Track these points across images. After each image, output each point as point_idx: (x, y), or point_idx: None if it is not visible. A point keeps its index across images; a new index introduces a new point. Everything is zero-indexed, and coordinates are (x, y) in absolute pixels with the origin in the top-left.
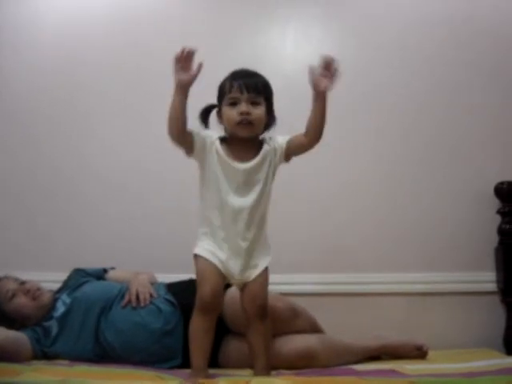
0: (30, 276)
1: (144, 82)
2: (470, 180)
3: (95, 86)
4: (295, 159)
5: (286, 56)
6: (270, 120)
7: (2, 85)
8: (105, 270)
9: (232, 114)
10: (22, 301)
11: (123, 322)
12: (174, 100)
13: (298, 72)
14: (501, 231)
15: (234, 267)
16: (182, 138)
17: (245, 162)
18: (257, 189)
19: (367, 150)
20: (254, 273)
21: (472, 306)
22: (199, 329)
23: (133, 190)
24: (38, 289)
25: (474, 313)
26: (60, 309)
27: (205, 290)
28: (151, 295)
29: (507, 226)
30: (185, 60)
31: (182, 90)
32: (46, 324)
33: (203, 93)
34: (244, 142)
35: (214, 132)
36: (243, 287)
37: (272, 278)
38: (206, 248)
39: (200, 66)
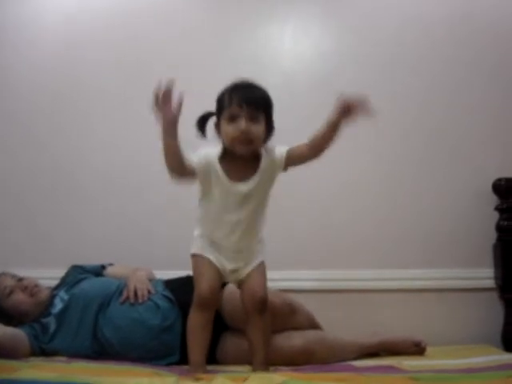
0: (28, 273)
1: (144, 80)
2: (468, 177)
3: (95, 83)
4: None
5: (284, 53)
6: (268, 133)
7: (2, 84)
8: (103, 267)
9: (231, 130)
10: (19, 297)
11: (121, 319)
12: (164, 141)
13: (296, 69)
14: (499, 228)
15: (228, 267)
16: (184, 170)
17: (244, 180)
18: (255, 201)
19: (367, 149)
20: (247, 270)
21: (470, 303)
22: (197, 325)
23: (132, 187)
24: (36, 285)
25: (472, 309)
26: (58, 305)
27: (202, 287)
28: (149, 291)
29: (505, 223)
30: (164, 98)
31: (170, 126)
32: (44, 320)
33: (203, 93)
34: (242, 155)
35: (211, 149)
36: (241, 284)
37: (272, 274)
38: (201, 247)
39: (181, 98)
